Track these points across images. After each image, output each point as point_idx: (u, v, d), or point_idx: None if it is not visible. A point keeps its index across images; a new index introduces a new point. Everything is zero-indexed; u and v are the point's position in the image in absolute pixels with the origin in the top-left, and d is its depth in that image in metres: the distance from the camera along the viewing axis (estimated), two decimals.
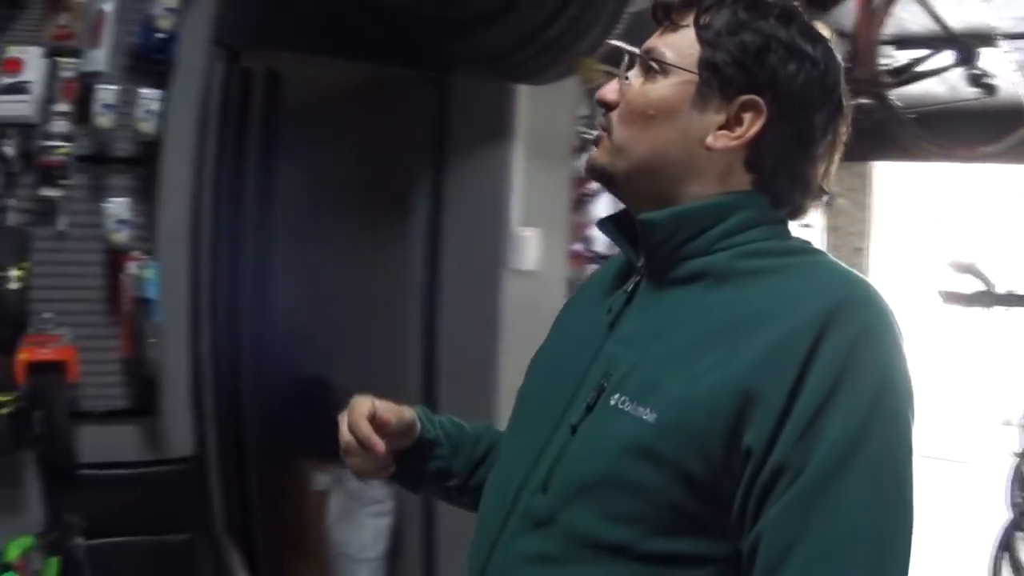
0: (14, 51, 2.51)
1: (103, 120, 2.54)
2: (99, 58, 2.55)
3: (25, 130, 2.53)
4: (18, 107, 2.48)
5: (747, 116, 1.06)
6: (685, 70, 1.07)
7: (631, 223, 1.15)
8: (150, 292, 2.62)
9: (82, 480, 2.50)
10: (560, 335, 1.30)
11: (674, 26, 1.11)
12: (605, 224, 1.22)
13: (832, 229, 6.69)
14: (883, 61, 3.84)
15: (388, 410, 1.24)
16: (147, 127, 2.61)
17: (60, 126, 2.53)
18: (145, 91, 2.62)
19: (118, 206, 2.63)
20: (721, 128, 1.07)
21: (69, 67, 2.54)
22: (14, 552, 2.26)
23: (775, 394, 0.94)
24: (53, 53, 2.56)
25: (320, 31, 3.05)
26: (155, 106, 2.63)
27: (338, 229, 4.14)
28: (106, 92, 2.55)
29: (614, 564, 1.01)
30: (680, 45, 1.09)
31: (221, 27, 2.77)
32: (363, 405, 1.22)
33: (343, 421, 1.23)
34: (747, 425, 0.95)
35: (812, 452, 0.92)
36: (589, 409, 1.07)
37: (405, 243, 3.67)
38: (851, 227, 6.99)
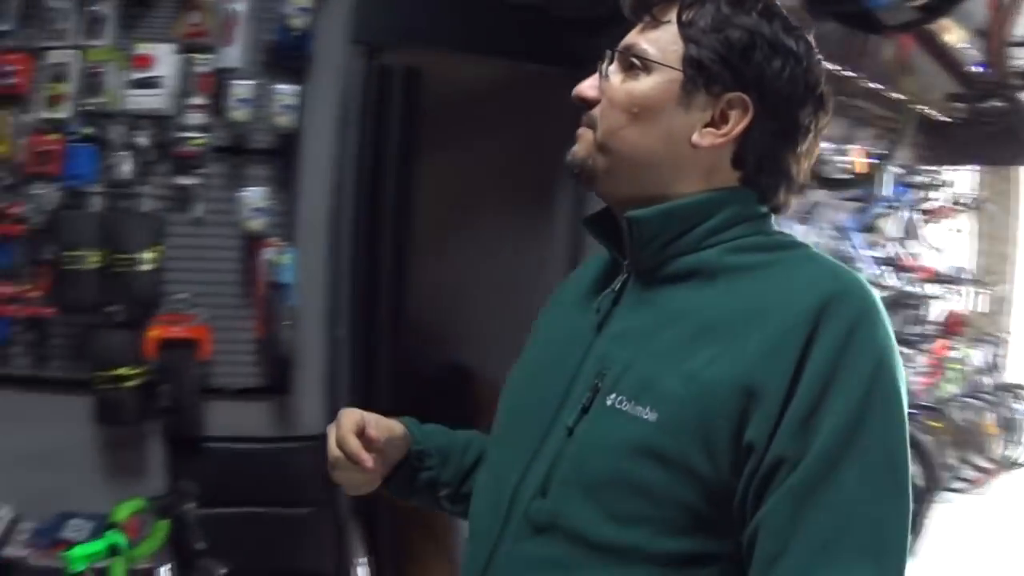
0: (144, 48, 2.72)
1: (238, 114, 2.71)
2: (233, 55, 2.73)
3: (159, 122, 2.73)
4: (150, 100, 2.69)
5: (733, 113, 1.05)
6: (669, 67, 1.05)
7: (614, 222, 1.14)
8: (285, 277, 2.78)
9: (208, 452, 2.68)
10: (542, 340, 1.26)
11: (655, 22, 1.08)
12: (588, 223, 1.20)
13: (982, 235, 6.37)
14: (1015, 62, 3.58)
15: (377, 426, 1.21)
16: (283, 120, 2.76)
17: (195, 118, 2.73)
18: (281, 86, 2.77)
19: (254, 195, 2.79)
20: (707, 125, 1.06)
21: (203, 63, 2.73)
22: (123, 513, 2.39)
23: (774, 389, 0.94)
24: (186, 50, 2.76)
25: (459, 28, 3.13)
26: (291, 101, 2.77)
27: (479, 222, 4.23)
28: (241, 87, 2.72)
29: (623, 566, 1.00)
30: (662, 41, 1.07)
31: (360, 25, 2.91)
32: (351, 419, 1.19)
33: (331, 435, 1.20)
34: (749, 421, 0.94)
35: (810, 443, 0.92)
36: (585, 410, 1.05)
37: (547, 237, 3.71)
38: (998, 233, 6.60)
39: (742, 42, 1.04)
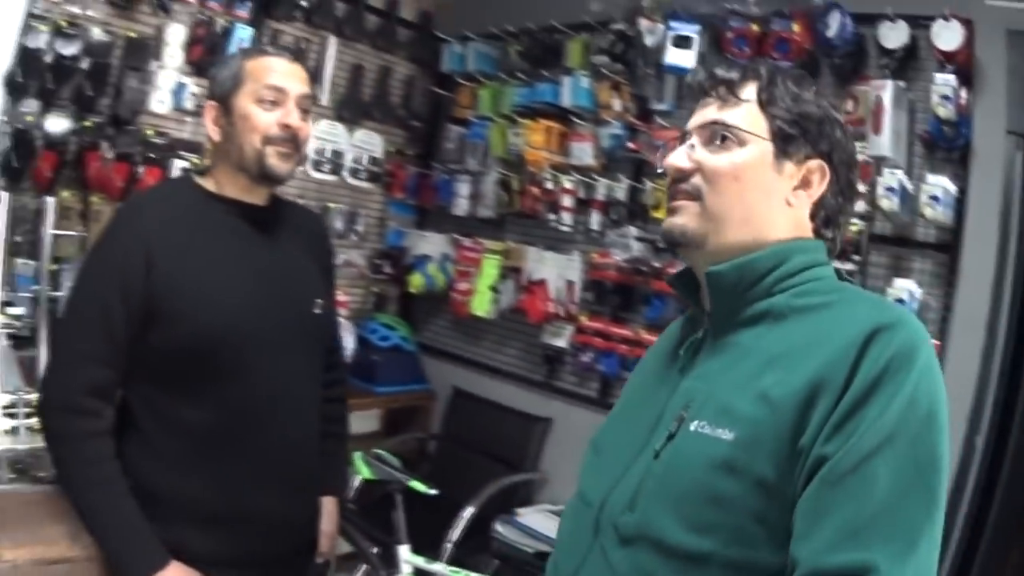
0: None
1: (886, 203, 2.77)
2: (882, 143, 2.77)
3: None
4: None
5: (815, 177, 1.26)
6: (762, 138, 1.24)
7: (693, 278, 1.33)
8: None
9: None
10: (633, 390, 1.45)
11: (737, 100, 1.26)
12: (673, 282, 1.38)
13: None
14: None
15: None
16: (933, 213, 2.73)
17: (856, 206, 2.84)
18: (932, 177, 2.75)
19: (903, 286, 2.81)
20: (796, 188, 1.25)
21: (861, 151, 2.82)
22: None
23: (826, 401, 1.07)
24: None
25: None
26: (942, 192, 2.76)
27: None
28: (890, 176, 2.76)
29: (700, 572, 1.11)
30: (750, 117, 1.25)
31: (1018, 116, 2.78)
32: None
33: None
34: (805, 429, 1.08)
35: (846, 441, 1.04)
36: (671, 436, 1.21)
37: None
38: None
39: (815, 116, 1.26)
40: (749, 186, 1.24)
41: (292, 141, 1.90)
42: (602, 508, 1.25)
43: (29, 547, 1.77)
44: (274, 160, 1.88)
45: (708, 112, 1.28)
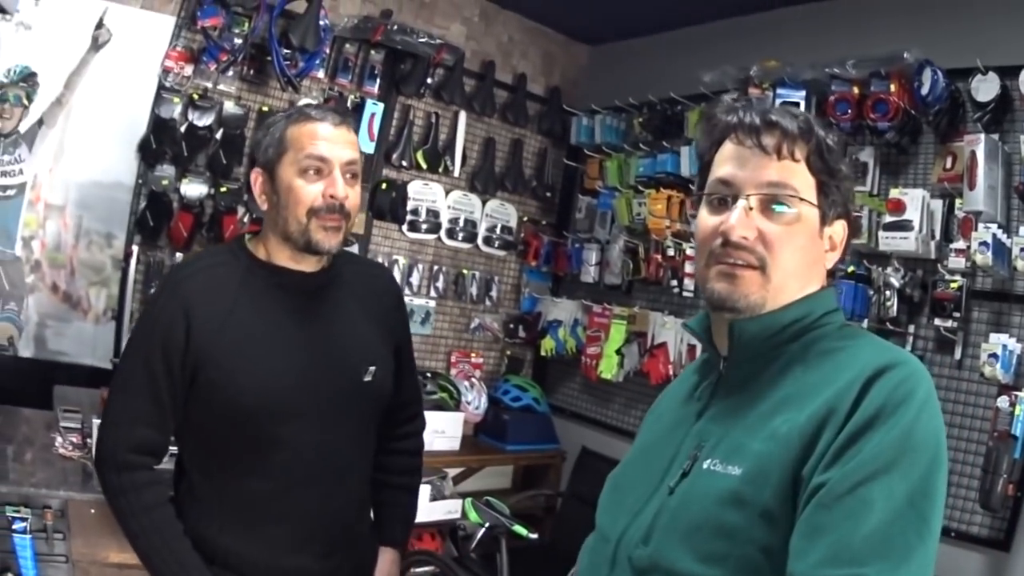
0: (896, 192, 2.98)
1: (980, 257, 2.78)
2: (976, 198, 2.81)
3: (914, 264, 2.96)
4: (902, 242, 2.94)
5: (840, 235, 1.34)
6: (813, 204, 1.28)
7: (709, 321, 1.40)
8: (1017, 429, 2.72)
9: None
10: (649, 431, 1.49)
11: (793, 160, 1.27)
12: (690, 328, 1.43)
13: None
14: None
15: None
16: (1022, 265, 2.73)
17: (955, 262, 2.89)
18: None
19: (996, 341, 2.80)
20: (827, 250, 1.34)
21: (961, 208, 2.88)
22: None
23: (828, 433, 1.13)
24: (941, 195, 2.95)
25: None
26: None
27: None
28: (984, 231, 2.78)
29: None
30: (802, 178, 1.27)
31: None
32: None
33: None
34: (807, 460, 1.14)
35: (843, 467, 1.09)
36: (685, 474, 1.27)
37: None
38: None
39: (842, 174, 1.30)
40: (803, 253, 1.28)
41: (339, 211, 1.89)
42: (619, 543, 1.30)
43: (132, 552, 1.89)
44: (320, 235, 1.88)
45: (768, 172, 1.26)
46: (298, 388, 1.90)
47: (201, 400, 1.85)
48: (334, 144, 1.88)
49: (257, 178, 1.93)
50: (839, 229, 1.33)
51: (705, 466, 1.23)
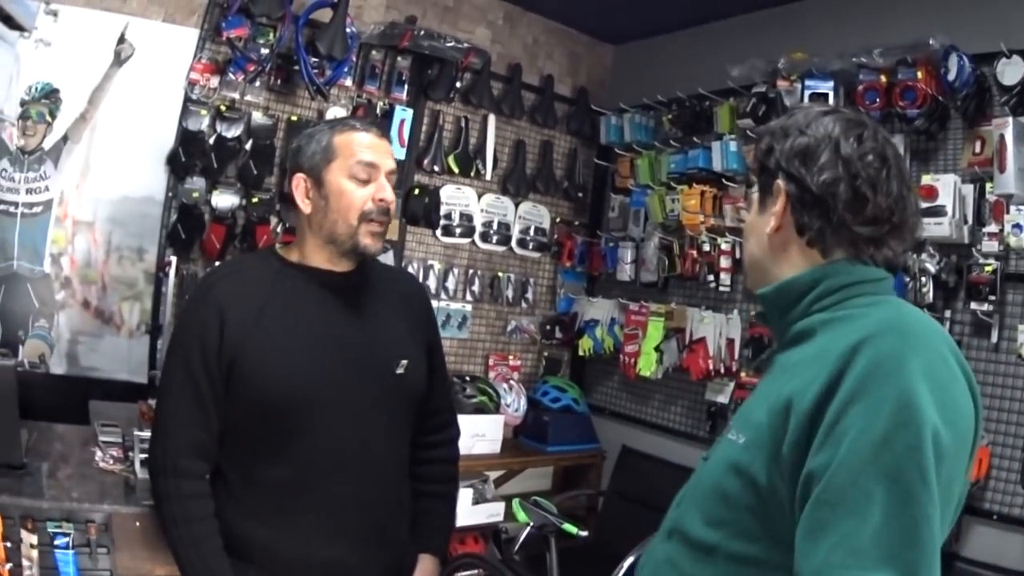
0: (928, 179, 3.05)
1: (1014, 239, 2.84)
2: (1007, 181, 2.87)
3: (948, 249, 3.03)
4: (936, 228, 2.99)
5: (775, 199, 1.41)
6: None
7: None
8: None
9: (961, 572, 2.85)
10: None
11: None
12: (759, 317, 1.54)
13: None
14: None
15: None
16: None
17: (989, 245, 2.95)
18: None
19: None
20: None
21: (992, 191, 2.93)
22: None
23: (802, 406, 1.18)
24: (970, 179, 3.01)
25: None
26: None
27: None
28: (1016, 213, 2.84)
29: (708, 563, 1.30)
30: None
31: None
32: None
33: None
34: (784, 433, 1.20)
35: (834, 457, 1.11)
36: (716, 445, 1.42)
37: None
38: None
39: (766, 134, 1.47)
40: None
41: (386, 215, 2.03)
42: (668, 506, 1.48)
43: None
44: (367, 240, 2.01)
45: None
46: (329, 379, 1.99)
47: (236, 396, 1.94)
48: (380, 152, 2.03)
49: (300, 183, 2.03)
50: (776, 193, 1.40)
51: (728, 436, 1.35)
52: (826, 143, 1.33)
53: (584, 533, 3.19)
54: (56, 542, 2.23)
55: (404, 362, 2.10)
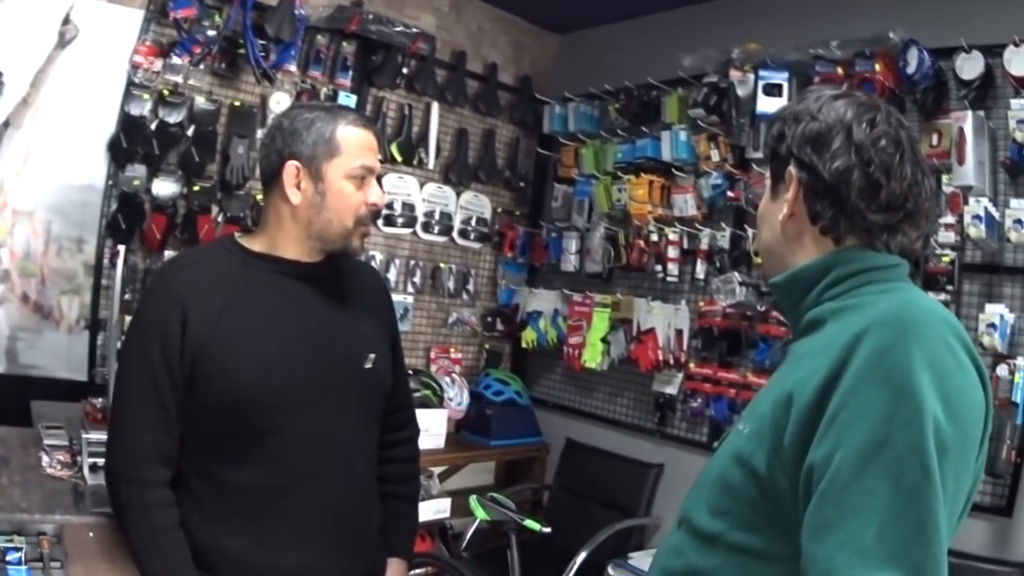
0: None
1: (974, 231, 2.95)
2: (966, 173, 2.97)
3: None
4: None
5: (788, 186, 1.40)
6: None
7: None
8: (1017, 396, 2.88)
9: None
10: None
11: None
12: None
13: None
14: None
15: None
16: (1018, 236, 2.91)
17: (946, 236, 3.04)
18: (1017, 202, 2.94)
19: (993, 312, 2.97)
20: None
21: (948, 183, 3.03)
22: None
23: (804, 397, 1.17)
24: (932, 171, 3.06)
25: None
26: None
27: None
28: (976, 204, 2.94)
29: (710, 552, 1.30)
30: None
31: None
32: None
33: None
34: (786, 424, 1.19)
35: (835, 451, 1.10)
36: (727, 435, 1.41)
37: None
38: None
39: (777, 122, 1.46)
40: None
41: (374, 217, 2.03)
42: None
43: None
44: (358, 242, 1.99)
45: None
46: (299, 375, 1.91)
47: (200, 395, 1.85)
48: (376, 155, 2.00)
49: (294, 171, 1.92)
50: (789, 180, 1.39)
51: (738, 425, 1.35)
52: (838, 128, 1.32)
53: (547, 529, 3.19)
54: (8, 558, 2.04)
55: (372, 356, 2.04)
